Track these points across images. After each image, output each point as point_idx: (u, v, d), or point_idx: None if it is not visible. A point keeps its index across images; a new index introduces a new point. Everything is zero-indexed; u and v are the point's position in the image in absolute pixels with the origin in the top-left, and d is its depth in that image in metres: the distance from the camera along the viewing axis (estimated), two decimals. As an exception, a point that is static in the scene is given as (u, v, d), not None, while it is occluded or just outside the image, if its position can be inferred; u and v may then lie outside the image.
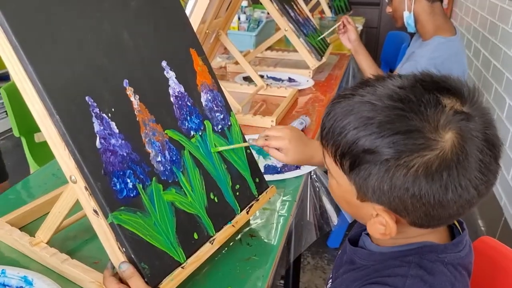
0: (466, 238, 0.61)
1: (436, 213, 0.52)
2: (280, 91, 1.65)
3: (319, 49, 1.94)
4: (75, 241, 0.86)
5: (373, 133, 0.50)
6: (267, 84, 1.68)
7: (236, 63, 1.97)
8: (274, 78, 1.87)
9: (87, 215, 0.64)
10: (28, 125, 1.76)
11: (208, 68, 0.85)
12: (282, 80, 1.86)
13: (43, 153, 1.80)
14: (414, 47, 1.74)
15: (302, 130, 1.36)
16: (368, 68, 1.86)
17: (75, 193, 0.64)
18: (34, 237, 0.81)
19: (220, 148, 0.81)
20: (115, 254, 0.64)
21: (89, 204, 0.63)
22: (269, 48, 2.23)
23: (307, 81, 1.82)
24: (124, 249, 0.63)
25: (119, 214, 0.62)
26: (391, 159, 0.50)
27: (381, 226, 0.56)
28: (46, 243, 0.80)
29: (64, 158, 0.62)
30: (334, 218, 1.21)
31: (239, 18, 2.38)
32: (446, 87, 0.52)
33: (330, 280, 0.72)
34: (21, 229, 0.86)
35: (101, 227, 0.63)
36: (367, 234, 0.67)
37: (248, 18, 2.40)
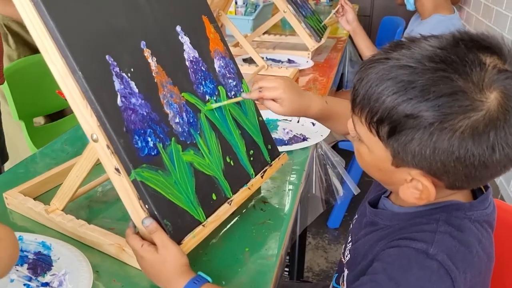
0: (490, 196, 0.61)
1: (479, 174, 0.52)
2: (281, 71, 1.66)
3: (318, 30, 1.95)
4: (89, 210, 0.87)
5: (415, 97, 0.49)
6: (267, 65, 1.69)
7: (235, 45, 1.98)
8: (273, 60, 1.87)
9: (108, 175, 0.65)
10: (27, 110, 1.74)
11: (220, 36, 0.86)
12: (282, 62, 1.86)
13: (42, 138, 1.79)
14: (414, 25, 1.76)
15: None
16: (366, 49, 1.88)
17: (96, 153, 0.64)
18: (49, 205, 0.81)
19: (214, 105, 0.77)
20: (137, 212, 0.64)
21: (111, 163, 0.63)
22: (266, 32, 2.23)
23: (307, 62, 1.83)
24: (147, 206, 0.63)
25: (141, 171, 0.63)
26: (435, 122, 0.48)
27: (415, 190, 0.55)
28: (62, 210, 0.80)
29: (86, 116, 0.62)
30: (340, 191, 1.23)
31: (236, 3, 2.38)
32: (487, 45, 0.50)
33: (350, 244, 0.71)
34: (34, 199, 0.86)
35: (123, 185, 0.64)
36: (387, 196, 0.67)
37: (245, 2, 2.40)
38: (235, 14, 2.38)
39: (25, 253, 0.75)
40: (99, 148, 0.63)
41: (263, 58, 1.82)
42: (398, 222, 0.61)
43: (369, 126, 0.54)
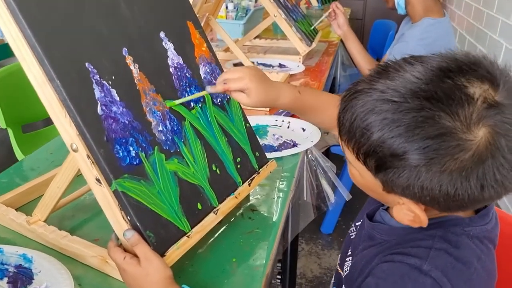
0: (493, 210, 0.59)
1: (470, 205, 0.51)
2: (272, 75, 1.64)
3: (309, 35, 1.94)
4: (73, 220, 0.85)
5: (400, 136, 0.47)
6: (258, 70, 1.68)
7: (226, 50, 1.96)
8: (264, 65, 1.86)
9: (89, 185, 0.63)
10: (15, 116, 1.72)
11: (205, 42, 0.84)
12: (273, 66, 1.85)
13: (30, 144, 1.76)
14: (404, 29, 1.75)
15: (296, 112, 1.36)
16: (358, 53, 1.87)
17: (76, 163, 0.62)
18: (31, 216, 0.79)
19: (177, 102, 0.72)
20: (119, 223, 0.63)
21: (91, 173, 0.61)
22: (258, 36, 2.22)
23: (298, 66, 1.82)
24: (128, 217, 0.62)
25: (123, 182, 0.61)
26: (422, 164, 0.47)
27: (409, 212, 0.53)
28: (44, 221, 0.78)
29: (65, 125, 0.60)
30: (331, 197, 1.21)
31: (226, 7, 2.37)
32: (477, 73, 0.47)
33: (349, 259, 0.69)
34: (16, 210, 0.84)
35: (104, 196, 0.62)
36: (386, 209, 0.65)
37: (236, 7, 2.39)
38: (226, 18, 2.37)
39: (5, 266, 0.72)
40: (79, 158, 0.61)
41: (254, 62, 1.82)
42: (395, 237, 0.60)
43: (356, 156, 0.53)
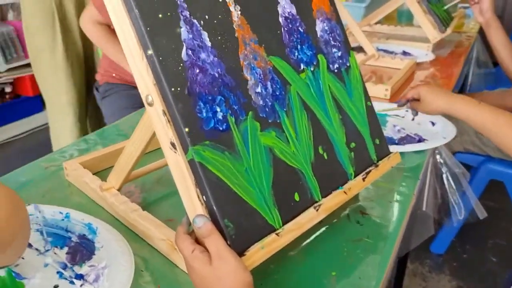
0: None
1: None
2: (395, 62, 1.42)
3: (443, 20, 1.66)
4: (151, 194, 0.74)
5: None
6: (378, 54, 1.46)
7: (342, 33, 1.77)
8: (385, 51, 1.63)
9: (163, 152, 0.50)
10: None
11: (327, -7, 0.67)
12: (395, 53, 1.61)
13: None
14: None
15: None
16: (503, 48, 1.54)
17: (152, 122, 0.49)
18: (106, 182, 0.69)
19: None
20: (193, 203, 0.48)
21: (166, 136, 0.48)
22: (378, 22, 1.98)
23: (426, 54, 1.56)
24: (204, 197, 0.47)
25: (202, 150, 0.47)
26: None
27: None
28: (118, 190, 0.68)
29: (141, 70, 0.47)
30: (460, 212, 0.97)
31: (348, -12, 2.16)
32: None
33: None
34: (94, 174, 0.76)
35: (178, 166, 0.48)
36: None
37: (358, -12, 2.16)
38: (345, 0, 2.16)
39: (69, 233, 0.63)
40: (154, 115, 0.48)
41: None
42: None
43: None
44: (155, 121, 0.49)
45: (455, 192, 0.97)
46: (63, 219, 0.64)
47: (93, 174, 0.77)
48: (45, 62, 1.55)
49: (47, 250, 0.60)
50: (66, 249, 0.61)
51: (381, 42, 1.70)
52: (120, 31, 0.48)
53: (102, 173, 0.78)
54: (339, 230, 0.64)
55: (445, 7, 1.75)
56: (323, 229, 0.64)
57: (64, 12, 1.54)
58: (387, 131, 0.95)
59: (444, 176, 0.96)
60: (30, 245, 0.61)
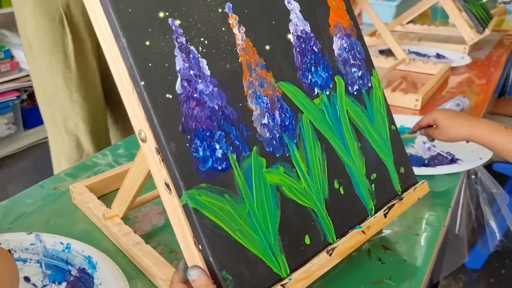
0: None
1: None
2: (427, 66, 1.32)
3: (481, 19, 1.54)
4: (159, 220, 0.69)
5: None
6: (409, 58, 1.37)
7: (371, 35, 1.68)
8: (417, 54, 1.54)
9: (158, 190, 0.45)
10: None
11: (346, 6, 0.60)
12: (428, 56, 1.52)
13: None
14: None
15: (457, 115, 1.03)
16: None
17: (146, 158, 0.45)
18: (110, 208, 0.66)
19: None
20: (190, 250, 0.44)
21: (160, 175, 0.43)
22: (411, 21, 1.88)
23: (462, 58, 1.46)
24: (200, 246, 0.42)
25: (197, 194, 0.42)
26: None
27: None
28: (122, 218, 0.64)
29: (133, 103, 0.43)
30: (496, 234, 0.89)
31: (378, -14, 2.06)
32: None
33: None
34: (101, 198, 0.72)
35: (173, 208, 0.44)
36: None
37: (388, -14, 2.06)
38: (376, -1, 2.06)
39: (69, 266, 0.60)
40: (148, 152, 0.44)
41: (404, 50, 1.50)
42: None
43: None
44: (149, 158, 0.44)
45: (491, 214, 0.89)
46: (63, 250, 0.61)
47: (101, 196, 0.74)
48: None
49: (45, 286, 0.58)
50: (64, 284, 0.58)
51: (413, 44, 1.60)
52: (111, 61, 0.43)
53: (110, 195, 0.75)
54: (357, 268, 0.58)
55: (483, 1, 1.63)
56: (339, 268, 0.58)
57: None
58: (416, 149, 0.87)
59: (480, 197, 0.88)
60: (28, 279, 0.58)
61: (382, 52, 1.54)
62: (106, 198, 0.74)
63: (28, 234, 0.62)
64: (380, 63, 1.38)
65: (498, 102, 1.73)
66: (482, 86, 1.31)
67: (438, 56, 1.51)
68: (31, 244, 0.62)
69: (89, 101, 1.15)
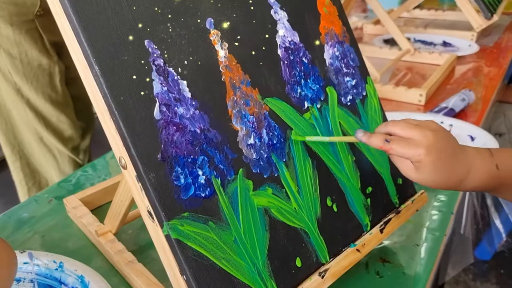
0: None
1: None
2: (433, 57, 1.28)
3: (489, 4, 1.49)
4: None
5: None
6: (414, 49, 1.33)
7: (376, 23, 1.64)
8: (423, 42, 1.49)
9: (142, 217, 0.44)
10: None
11: (338, 11, 0.57)
12: (435, 45, 1.47)
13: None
14: None
15: (462, 110, 1.00)
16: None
17: (128, 184, 0.44)
18: (103, 223, 0.65)
19: (307, 138, 0.50)
20: (176, 278, 0.43)
21: (143, 203, 0.42)
22: (418, 6, 1.83)
23: (469, 46, 1.41)
24: (184, 276, 0.41)
25: (179, 224, 0.40)
26: None
27: None
28: (114, 234, 0.63)
29: (112, 131, 0.41)
30: (502, 234, 0.86)
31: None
32: None
33: None
34: (95, 210, 0.72)
35: (157, 237, 0.42)
36: None
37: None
38: (381, -16, 2.00)
39: (62, 286, 0.60)
40: (129, 179, 0.42)
41: (409, 39, 1.46)
42: None
43: None
44: (131, 185, 0.43)
45: (497, 214, 0.86)
46: (56, 269, 0.60)
47: (96, 208, 0.73)
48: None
49: (38, 306, 0.57)
50: (56, 305, 0.57)
51: (419, 32, 1.56)
52: (88, 88, 0.41)
53: (105, 207, 0.74)
54: (354, 283, 0.57)
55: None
56: (334, 284, 0.57)
57: None
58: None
59: (486, 198, 0.85)
60: (21, 300, 0.58)
61: (386, 41, 1.50)
62: (101, 210, 0.73)
63: (21, 252, 0.62)
64: (384, 54, 1.34)
65: (508, 89, 1.68)
66: (490, 75, 1.27)
67: (445, 44, 1.47)
68: (24, 263, 0.61)
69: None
